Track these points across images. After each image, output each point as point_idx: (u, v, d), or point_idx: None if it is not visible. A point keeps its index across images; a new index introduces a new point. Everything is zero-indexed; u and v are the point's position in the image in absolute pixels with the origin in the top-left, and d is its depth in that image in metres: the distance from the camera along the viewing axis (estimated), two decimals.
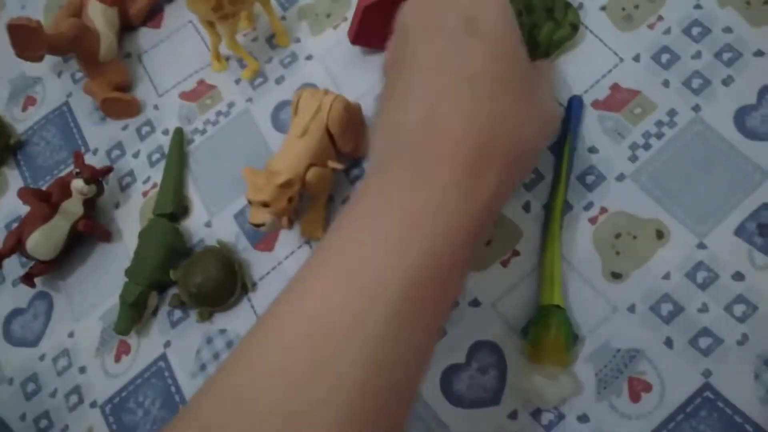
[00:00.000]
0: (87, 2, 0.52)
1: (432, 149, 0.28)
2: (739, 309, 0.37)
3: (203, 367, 0.43)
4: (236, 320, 0.44)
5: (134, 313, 0.44)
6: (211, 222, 0.47)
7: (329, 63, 0.50)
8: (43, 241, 0.45)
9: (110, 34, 0.52)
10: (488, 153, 0.29)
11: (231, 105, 0.51)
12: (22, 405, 0.46)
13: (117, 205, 0.50)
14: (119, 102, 0.51)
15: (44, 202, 0.45)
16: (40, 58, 0.53)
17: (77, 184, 0.46)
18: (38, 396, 0.46)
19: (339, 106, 0.42)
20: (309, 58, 0.51)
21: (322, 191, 0.43)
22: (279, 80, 0.51)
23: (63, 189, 0.46)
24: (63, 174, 0.48)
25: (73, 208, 0.46)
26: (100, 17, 0.52)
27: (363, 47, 0.49)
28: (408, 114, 0.30)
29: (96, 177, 0.47)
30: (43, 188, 0.48)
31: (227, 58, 0.53)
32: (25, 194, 0.46)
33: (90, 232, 0.47)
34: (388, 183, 0.29)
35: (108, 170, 0.48)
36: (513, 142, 0.30)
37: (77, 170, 0.47)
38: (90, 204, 0.47)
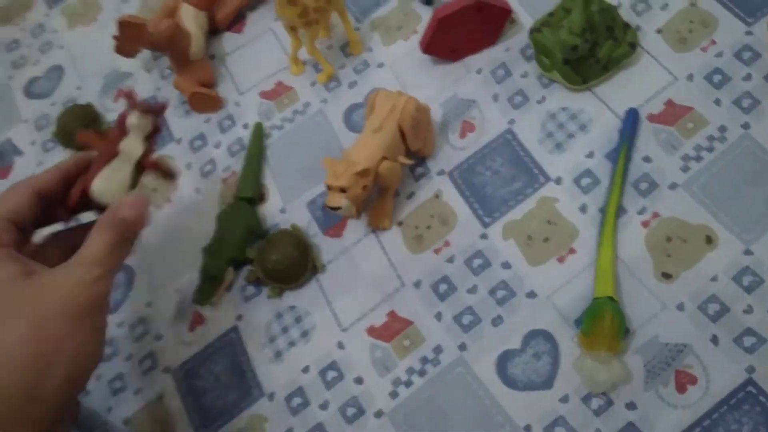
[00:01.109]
0: (180, 5, 0.58)
1: None
2: None
3: (272, 339, 0.47)
4: (305, 298, 0.47)
5: (212, 287, 0.48)
6: (286, 209, 0.51)
7: (399, 70, 0.55)
8: (108, 183, 0.43)
9: (200, 35, 0.57)
10: None
11: (307, 105, 0.55)
12: (98, 366, 0.50)
13: (198, 190, 0.54)
14: (205, 97, 0.56)
15: (104, 140, 0.44)
16: (134, 54, 0.58)
17: (132, 119, 0.44)
18: (113, 360, 0.50)
19: (411, 107, 0.46)
20: (380, 65, 0.55)
21: (393, 183, 0.47)
22: (351, 84, 0.55)
23: (120, 128, 0.44)
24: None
25: (132, 146, 0.44)
26: (191, 20, 0.57)
27: (432, 56, 0.53)
28: None
29: (150, 110, 0.45)
30: None
31: (304, 63, 0.57)
32: (84, 136, 0.44)
33: (155, 168, 0.45)
34: None
35: (162, 107, 0.46)
36: None
37: (130, 105, 0.44)
38: (149, 141, 0.45)
